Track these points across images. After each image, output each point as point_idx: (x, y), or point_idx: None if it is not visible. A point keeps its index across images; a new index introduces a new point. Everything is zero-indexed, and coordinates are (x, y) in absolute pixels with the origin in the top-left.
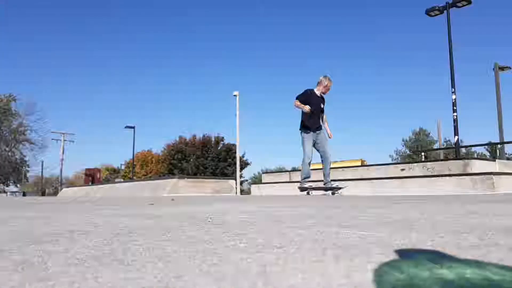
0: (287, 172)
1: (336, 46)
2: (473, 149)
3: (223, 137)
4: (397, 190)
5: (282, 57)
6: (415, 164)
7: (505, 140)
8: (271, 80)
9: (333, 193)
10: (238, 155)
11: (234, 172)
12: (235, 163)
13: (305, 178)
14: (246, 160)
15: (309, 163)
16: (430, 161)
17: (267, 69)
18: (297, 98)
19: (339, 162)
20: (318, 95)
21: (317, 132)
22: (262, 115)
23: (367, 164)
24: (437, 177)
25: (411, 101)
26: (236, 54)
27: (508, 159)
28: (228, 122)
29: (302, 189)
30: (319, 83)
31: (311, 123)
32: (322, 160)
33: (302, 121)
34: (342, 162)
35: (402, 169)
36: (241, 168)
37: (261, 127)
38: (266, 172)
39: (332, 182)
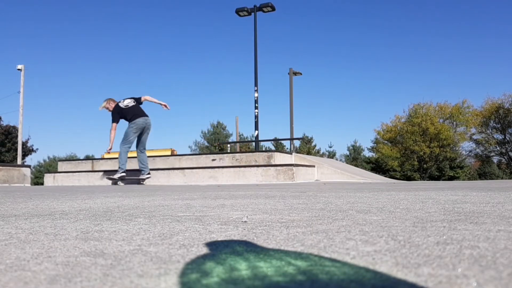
0: (90, 161)
1: None
2: (266, 143)
3: (0, 117)
4: (210, 180)
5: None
6: (225, 155)
7: (294, 136)
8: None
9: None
10: (20, 139)
11: (14, 159)
12: (16, 149)
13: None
14: (30, 146)
15: None
16: (239, 152)
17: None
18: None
19: (148, 151)
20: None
21: None
22: (54, 94)
23: (178, 153)
24: (246, 167)
25: (211, 96)
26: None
27: (297, 152)
28: (9, 100)
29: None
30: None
31: None
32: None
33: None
34: (152, 151)
35: (213, 159)
36: (25, 155)
37: (53, 109)
38: (64, 160)
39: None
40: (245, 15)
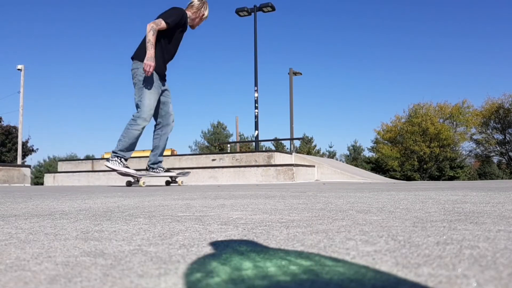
0: (90, 161)
1: None
2: (265, 143)
3: (0, 117)
4: (210, 180)
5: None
6: (225, 155)
7: (294, 136)
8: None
9: (170, 182)
10: (20, 139)
11: (15, 159)
12: (16, 149)
13: (128, 153)
14: (31, 146)
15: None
16: (239, 152)
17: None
18: (167, 22)
19: (148, 151)
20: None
21: (164, 82)
22: (54, 94)
23: (178, 153)
24: (246, 167)
25: (211, 96)
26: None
27: (297, 152)
28: (9, 100)
29: (124, 174)
30: (193, 7)
31: (162, 62)
32: (159, 127)
33: (147, 53)
34: (150, 150)
35: (213, 159)
36: (25, 155)
37: (53, 109)
38: (64, 160)
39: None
40: (245, 15)
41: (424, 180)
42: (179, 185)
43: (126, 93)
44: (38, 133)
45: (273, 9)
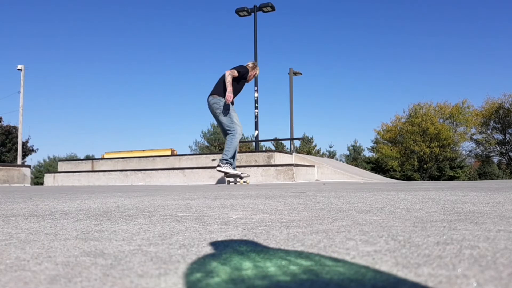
0: (90, 161)
1: None
2: (266, 143)
3: (0, 117)
4: (210, 180)
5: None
6: None
7: (294, 136)
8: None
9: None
10: (20, 139)
11: (15, 159)
12: (16, 149)
13: (231, 159)
14: (31, 146)
15: None
16: (239, 152)
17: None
18: (238, 72)
19: (148, 151)
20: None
21: None
22: (54, 94)
23: (178, 153)
24: (246, 167)
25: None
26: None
27: (297, 152)
28: (9, 100)
29: (233, 174)
30: (249, 67)
31: (234, 97)
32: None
33: (225, 90)
34: (152, 151)
35: (213, 159)
36: (25, 155)
37: (53, 109)
38: (64, 160)
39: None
40: (245, 15)
41: (424, 180)
42: (247, 183)
43: (126, 93)
44: (38, 133)
45: (273, 9)
